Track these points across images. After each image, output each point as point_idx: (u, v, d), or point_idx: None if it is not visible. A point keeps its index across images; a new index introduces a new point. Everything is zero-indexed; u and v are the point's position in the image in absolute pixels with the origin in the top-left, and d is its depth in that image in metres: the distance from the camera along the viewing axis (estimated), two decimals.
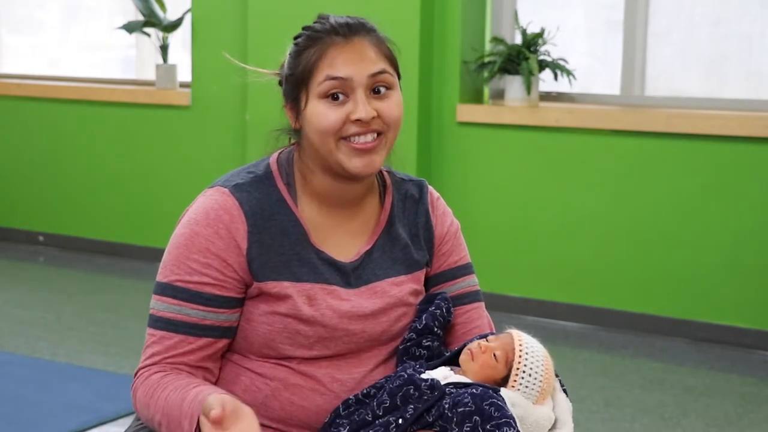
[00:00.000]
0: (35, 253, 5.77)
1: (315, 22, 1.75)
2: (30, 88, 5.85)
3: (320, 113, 1.68)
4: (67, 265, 5.52)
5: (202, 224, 1.71)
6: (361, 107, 1.67)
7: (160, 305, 1.71)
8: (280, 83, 1.80)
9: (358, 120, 1.67)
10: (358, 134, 1.68)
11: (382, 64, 1.70)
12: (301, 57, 1.71)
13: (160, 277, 1.73)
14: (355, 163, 1.69)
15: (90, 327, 4.38)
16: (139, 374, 1.73)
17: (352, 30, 1.70)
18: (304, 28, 1.75)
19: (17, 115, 5.89)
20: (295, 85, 1.72)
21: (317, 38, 1.70)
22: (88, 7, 6.31)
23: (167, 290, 1.71)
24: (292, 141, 1.83)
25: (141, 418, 1.76)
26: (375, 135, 1.70)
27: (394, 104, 1.71)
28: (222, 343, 1.73)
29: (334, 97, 1.68)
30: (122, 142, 5.60)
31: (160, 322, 1.71)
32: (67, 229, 5.82)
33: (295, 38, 1.76)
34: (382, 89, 1.70)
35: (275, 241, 1.72)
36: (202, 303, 1.69)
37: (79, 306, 4.74)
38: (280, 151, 1.82)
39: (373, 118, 1.69)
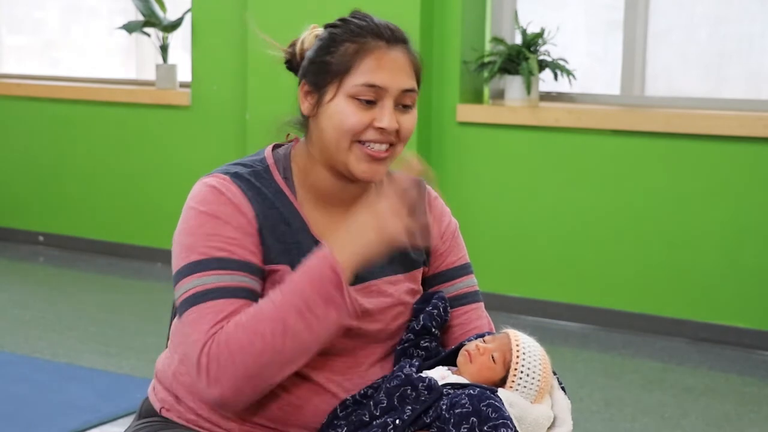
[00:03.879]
0: (35, 253, 5.77)
1: (354, 17, 1.73)
2: (30, 88, 5.85)
3: (346, 112, 1.68)
4: (67, 265, 5.52)
5: (215, 203, 1.68)
6: (387, 117, 1.68)
7: (198, 281, 1.62)
8: (287, 62, 1.79)
9: (380, 128, 1.68)
10: (375, 141, 1.69)
11: (412, 82, 1.72)
12: (339, 48, 1.69)
13: (186, 260, 1.65)
14: (363, 168, 1.70)
15: (90, 327, 4.38)
16: (212, 336, 1.58)
17: (396, 37, 1.71)
18: (340, 20, 1.73)
19: (17, 115, 5.89)
20: (326, 74, 1.70)
21: (358, 34, 1.69)
22: (88, 7, 6.31)
23: (210, 264, 1.62)
24: (291, 137, 1.82)
25: (246, 360, 1.57)
26: (388, 145, 1.71)
27: (412, 120, 1.73)
28: None
29: (364, 101, 1.68)
30: (122, 142, 5.60)
31: (211, 293, 1.60)
32: (67, 229, 5.82)
33: (329, 26, 1.74)
34: (407, 105, 1.72)
35: (277, 229, 1.71)
36: (246, 270, 1.64)
37: (79, 306, 4.73)
38: (273, 145, 1.82)
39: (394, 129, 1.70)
